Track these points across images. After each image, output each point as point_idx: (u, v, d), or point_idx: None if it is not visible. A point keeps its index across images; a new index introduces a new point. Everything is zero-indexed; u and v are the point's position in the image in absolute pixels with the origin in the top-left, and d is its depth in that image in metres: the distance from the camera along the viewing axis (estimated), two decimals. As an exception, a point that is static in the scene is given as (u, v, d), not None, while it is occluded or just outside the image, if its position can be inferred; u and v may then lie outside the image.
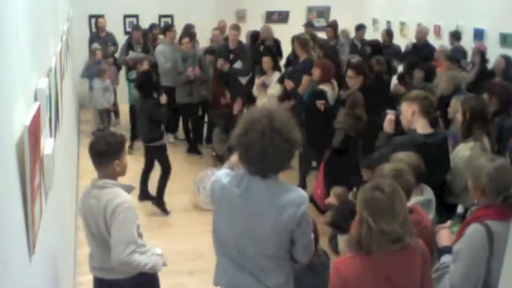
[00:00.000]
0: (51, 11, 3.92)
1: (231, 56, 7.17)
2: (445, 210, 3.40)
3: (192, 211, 5.89)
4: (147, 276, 2.95)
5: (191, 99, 7.55)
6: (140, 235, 2.93)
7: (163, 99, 5.77)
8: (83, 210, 2.93)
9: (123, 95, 8.71)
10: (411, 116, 3.55)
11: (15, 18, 1.88)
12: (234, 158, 2.47)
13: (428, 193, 3.24)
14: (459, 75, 5.83)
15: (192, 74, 7.32)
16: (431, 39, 8.82)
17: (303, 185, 5.86)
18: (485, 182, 2.54)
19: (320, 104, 5.46)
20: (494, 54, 7.26)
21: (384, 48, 8.14)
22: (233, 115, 6.74)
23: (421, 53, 8.03)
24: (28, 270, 1.83)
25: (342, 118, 5.21)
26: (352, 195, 4.41)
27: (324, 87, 5.66)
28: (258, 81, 6.58)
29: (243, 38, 8.21)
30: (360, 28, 9.20)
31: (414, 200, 3.00)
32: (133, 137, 7.61)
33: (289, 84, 5.89)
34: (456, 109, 4.14)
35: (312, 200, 5.24)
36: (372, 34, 10.35)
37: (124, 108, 8.80)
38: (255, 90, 6.55)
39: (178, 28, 8.72)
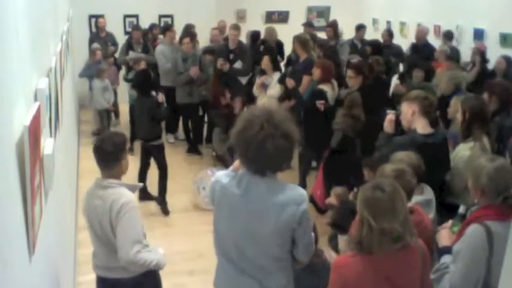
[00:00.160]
0: (51, 11, 3.92)
1: (231, 56, 7.17)
2: (445, 210, 3.40)
3: (192, 211, 5.89)
4: (150, 276, 2.96)
5: (191, 99, 7.55)
6: (144, 235, 2.93)
7: (161, 97, 5.77)
8: (87, 211, 2.93)
9: (123, 95, 8.71)
10: (411, 116, 3.55)
11: (15, 18, 1.88)
12: (237, 162, 2.47)
13: (428, 193, 3.24)
14: (460, 75, 5.83)
15: (194, 74, 7.32)
16: (432, 39, 8.81)
17: (303, 184, 5.86)
18: (485, 182, 2.53)
19: (320, 104, 5.47)
20: (494, 54, 7.26)
21: (384, 48, 8.14)
22: (233, 115, 6.74)
23: (421, 53, 8.03)
24: (28, 270, 1.83)
25: (340, 118, 5.22)
26: (353, 195, 4.40)
27: (324, 87, 5.67)
28: (257, 81, 6.58)
29: (243, 38, 8.21)
30: (360, 28, 9.20)
31: (414, 200, 3.00)
32: (133, 138, 7.60)
33: (290, 82, 5.89)
34: (456, 109, 4.14)
35: (311, 200, 5.24)
36: (372, 34, 10.34)
37: (124, 108, 8.79)
38: (255, 90, 6.56)
39: (178, 28, 8.72)
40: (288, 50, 8.05)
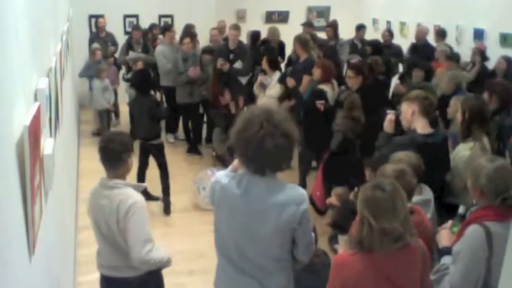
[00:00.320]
0: (51, 11, 3.92)
1: (231, 56, 7.17)
2: (445, 210, 3.40)
3: (192, 211, 5.89)
4: (154, 274, 2.98)
5: (192, 99, 7.54)
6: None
7: (159, 97, 5.78)
8: (92, 210, 2.93)
9: (123, 95, 8.70)
10: (411, 116, 3.55)
11: (15, 18, 1.88)
12: (236, 162, 2.47)
13: (427, 193, 3.23)
14: (460, 74, 5.83)
15: (195, 74, 7.32)
16: (431, 39, 8.81)
17: (303, 184, 5.86)
18: (484, 183, 2.53)
19: (320, 104, 5.47)
20: (494, 54, 7.25)
21: (384, 48, 8.14)
22: (233, 115, 6.74)
23: (421, 53, 8.03)
24: (28, 270, 1.83)
25: (340, 120, 5.21)
26: (353, 196, 4.40)
27: (324, 87, 5.67)
28: (257, 81, 6.58)
29: (243, 38, 8.21)
30: (360, 28, 9.20)
31: (413, 200, 3.00)
32: (133, 138, 7.59)
33: (291, 82, 5.89)
34: (456, 109, 4.14)
35: (311, 201, 5.24)
36: (372, 34, 10.34)
37: (124, 108, 8.78)
38: (256, 90, 6.56)
39: (178, 28, 8.72)
40: (288, 50, 8.05)
